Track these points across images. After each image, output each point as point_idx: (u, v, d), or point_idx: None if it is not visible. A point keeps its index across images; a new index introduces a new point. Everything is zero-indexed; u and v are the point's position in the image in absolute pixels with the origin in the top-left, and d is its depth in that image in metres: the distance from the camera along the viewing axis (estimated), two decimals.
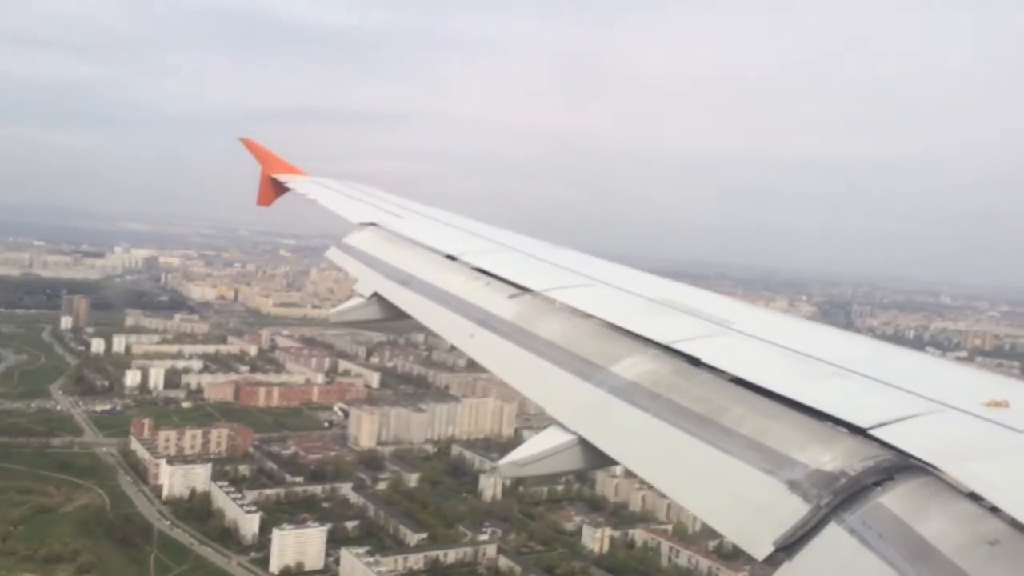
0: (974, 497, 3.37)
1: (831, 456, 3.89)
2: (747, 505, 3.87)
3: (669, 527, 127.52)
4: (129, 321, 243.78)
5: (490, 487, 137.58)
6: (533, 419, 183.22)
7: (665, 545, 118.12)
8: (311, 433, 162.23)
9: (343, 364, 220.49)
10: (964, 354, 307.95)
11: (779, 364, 5.14)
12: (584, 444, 5.01)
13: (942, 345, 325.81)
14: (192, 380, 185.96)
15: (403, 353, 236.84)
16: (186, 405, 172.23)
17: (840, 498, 3.59)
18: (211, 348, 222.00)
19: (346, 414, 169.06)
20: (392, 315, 8.87)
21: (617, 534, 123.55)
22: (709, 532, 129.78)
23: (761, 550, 3.61)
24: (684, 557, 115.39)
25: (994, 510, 3.26)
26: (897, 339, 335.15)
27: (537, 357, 6.10)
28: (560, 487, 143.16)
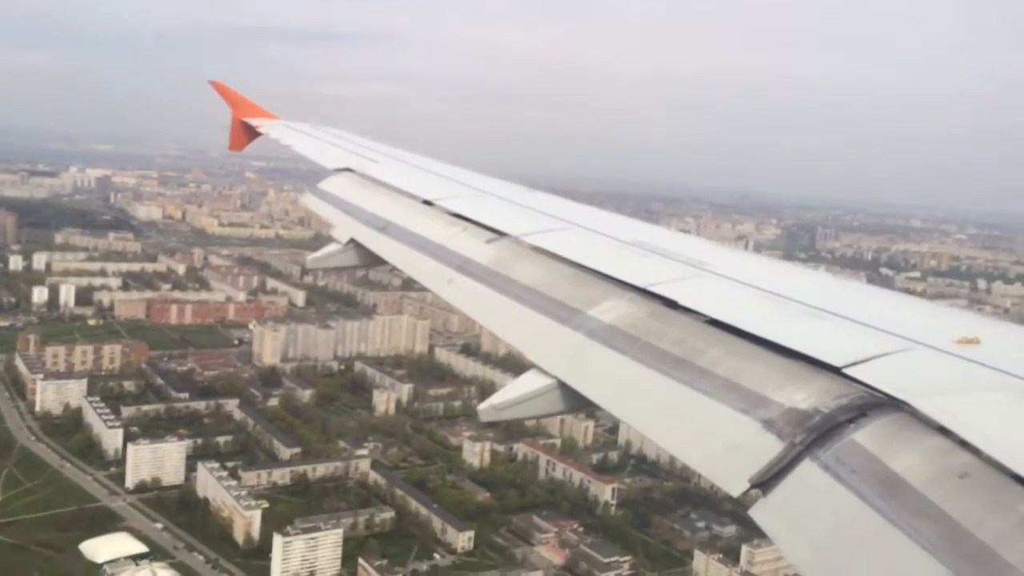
0: (944, 432, 3.42)
1: (805, 395, 3.93)
2: (723, 444, 3.94)
3: (558, 442, 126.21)
4: (59, 239, 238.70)
5: (383, 403, 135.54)
6: (455, 336, 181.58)
7: (543, 459, 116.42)
8: (217, 350, 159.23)
9: (272, 283, 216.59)
10: (917, 274, 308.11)
11: (755, 305, 5.15)
12: (563, 387, 5.03)
13: (898, 266, 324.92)
14: (105, 298, 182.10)
15: (337, 273, 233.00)
16: (93, 322, 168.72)
17: (814, 435, 3.65)
18: (136, 266, 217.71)
19: None
20: (370, 261, 8.84)
21: (501, 448, 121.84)
22: (594, 448, 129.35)
23: (737, 487, 3.68)
24: (560, 470, 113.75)
25: (964, 444, 3.32)
26: (856, 260, 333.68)
27: (515, 302, 6.07)
28: (458, 403, 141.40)
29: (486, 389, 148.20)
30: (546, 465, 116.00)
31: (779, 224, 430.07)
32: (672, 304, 5.26)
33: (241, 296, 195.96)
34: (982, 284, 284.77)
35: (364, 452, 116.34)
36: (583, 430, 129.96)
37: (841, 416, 3.70)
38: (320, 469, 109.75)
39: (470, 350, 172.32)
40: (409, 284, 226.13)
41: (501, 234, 7.27)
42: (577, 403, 5.07)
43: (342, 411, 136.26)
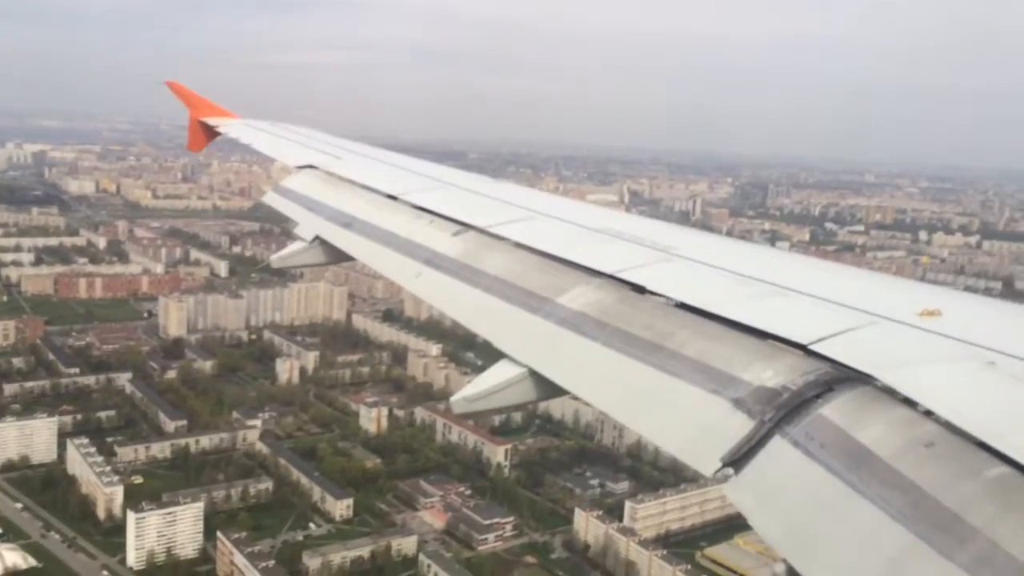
0: (910, 403, 3.52)
1: (773, 372, 4.01)
2: (695, 425, 4.01)
3: None
4: None
5: (285, 371, 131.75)
6: (380, 303, 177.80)
7: (440, 422, 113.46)
8: (122, 324, 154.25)
9: (196, 254, 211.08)
10: (860, 228, 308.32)
11: (721, 287, 5.24)
12: (535, 376, 5.03)
13: (844, 221, 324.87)
14: (13, 273, 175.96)
15: (267, 241, 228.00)
16: None
17: (783, 412, 3.73)
18: (55, 241, 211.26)
19: None
20: (336, 258, 8.77)
21: (402, 414, 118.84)
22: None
23: (709, 467, 3.73)
24: (455, 433, 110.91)
25: (928, 414, 3.41)
26: (803, 216, 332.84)
27: (484, 293, 6.10)
28: (367, 369, 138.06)
29: (399, 354, 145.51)
30: (443, 428, 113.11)
31: (733, 183, 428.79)
32: (640, 289, 5.30)
33: (159, 268, 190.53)
34: (923, 236, 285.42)
35: (256, 423, 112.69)
36: None
37: (809, 392, 3.76)
38: (204, 441, 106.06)
39: (392, 316, 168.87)
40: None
41: (467, 226, 7.27)
42: (549, 391, 5.03)
43: (244, 381, 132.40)
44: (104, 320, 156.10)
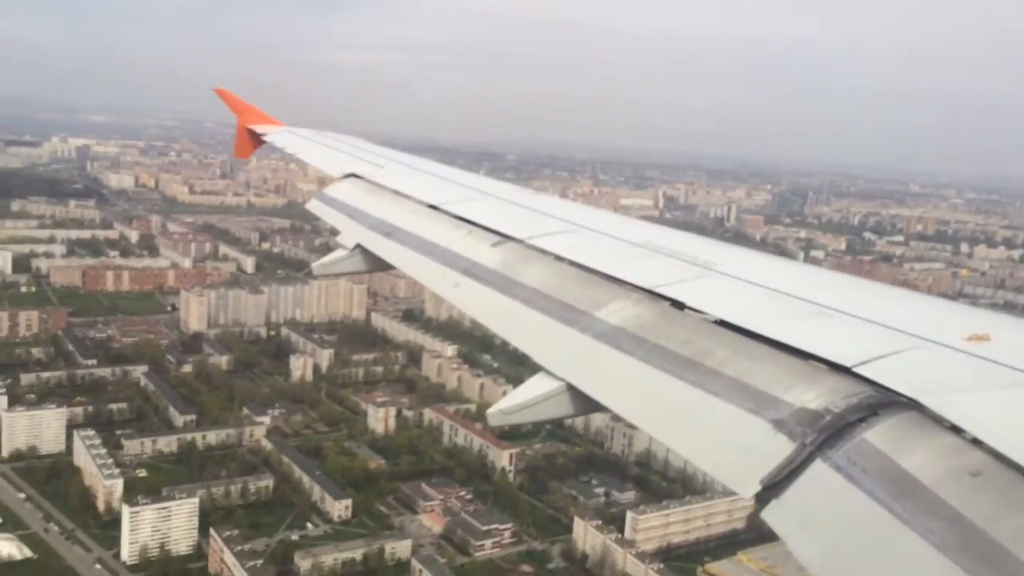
0: (956, 430, 3.42)
1: (815, 394, 3.93)
2: (734, 445, 3.92)
3: (474, 406, 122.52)
4: (15, 207, 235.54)
5: (299, 368, 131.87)
6: (401, 302, 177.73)
7: (447, 424, 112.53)
8: (144, 317, 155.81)
9: (225, 249, 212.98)
10: (900, 238, 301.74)
11: (762, 305, 5.16)
12: (572, 390, 4.98)
13: (884, 231, 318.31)
14: (44, 264, 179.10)
15: (295, 238, 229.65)
16: (25, 289, 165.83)
17: (825, 435, 3.64)
18: (87, 234, 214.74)
19: None
20: (376, 266, 8.88)
21: (411, 414, 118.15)
22: None
23: (749, 489, 3.66)
24: (462, 436, 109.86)
25: (976, 442, 3.32)
26: (841, 225, 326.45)
27: (522, 305, 6.08)
28: (381, 368, 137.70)
29: (415, 355, 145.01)
30: (449, 431, 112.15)
31: (772, 190, 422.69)
32: (679, 305, 5.25)
33: (187, 263, 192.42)
34: (965, 248, 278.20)
35: (265, 419, 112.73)
36: (501, 394, 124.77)
37: (852, 415, 3.68)
38: (211, 437, 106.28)
39: (412, 316, 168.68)
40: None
41: (506, 237, 7.24)
42: (586, 406, 4.96)
43: (258, 377, 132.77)
44: (128, 313, 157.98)
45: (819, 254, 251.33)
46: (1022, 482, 3.02)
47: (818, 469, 3.52)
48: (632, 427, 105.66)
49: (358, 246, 8.90)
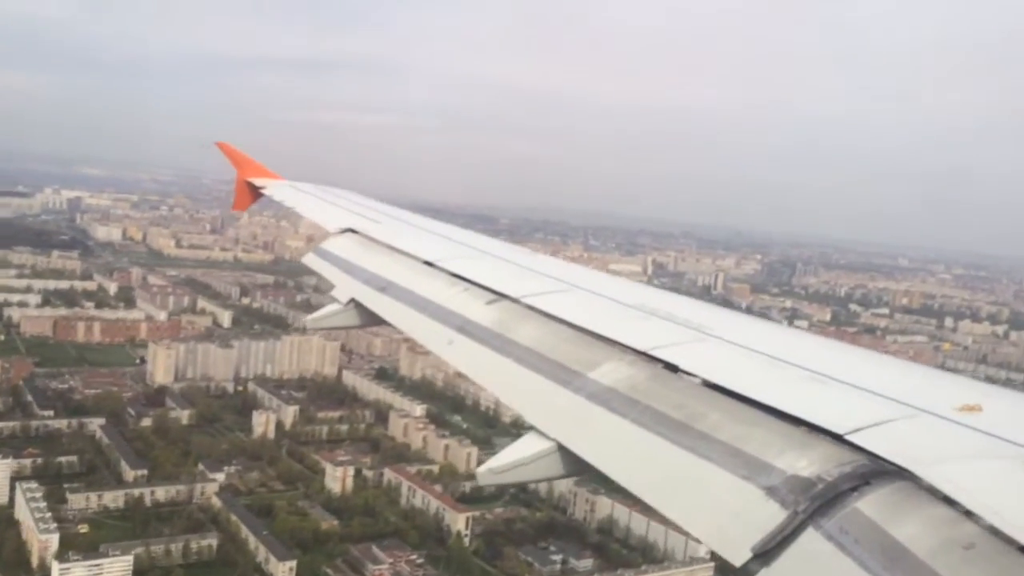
0: (949, 501, 3.41)
1: (808, 462, 3.92)
2: (725, 511, 3.92)
3: (436, 468, 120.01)
4: None
5: (261, 425, 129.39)
6: (376, 360, 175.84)
7: (406, 485, 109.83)
8: (112, 369, 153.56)
9: (203, 303, 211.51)
10: (885, 311, 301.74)
11: (756, 370, 5.15)
12: (563, 451, 4.97)
13: (870, 303, 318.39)
14: (16, 314, 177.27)
15: (276, 294, 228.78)
16: None
17: (817, 504, 3.63)
18: (66, 284, 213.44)
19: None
20: (370, 321, 8.87)
21: (371, 474, 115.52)
22: (471, 476, 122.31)
23: (739, 556, 3.63)
24: (419, 497, 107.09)
25: (969, 514, 3.31)
26: (828, 296, 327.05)
27: (515, 363, 6.05)
28: (345, 427, 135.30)
29: (383, 413, 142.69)
30: (407, 492, 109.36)
31: (762, 260, 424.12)
32: (673, 368, 5.23)
33: (162, 315, 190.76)
34: (949, 322, 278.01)
35: (219, 476, 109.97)
36: (465, 456, 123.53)
37: (844, 484, 3.66)
38: (160, 493, 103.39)
39: (386, 374, 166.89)
40: None
41: (502, 295, 7.23)
42: (577, 467, 4.95)
43: (219, 433, 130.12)
44: (96, 364, 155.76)
45: (803, 324, 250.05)
46: (1015, 555, 2.99)
47: (810, 538, 3.47)
48: (595, 493, 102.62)
49: (352, 300, 8.91)
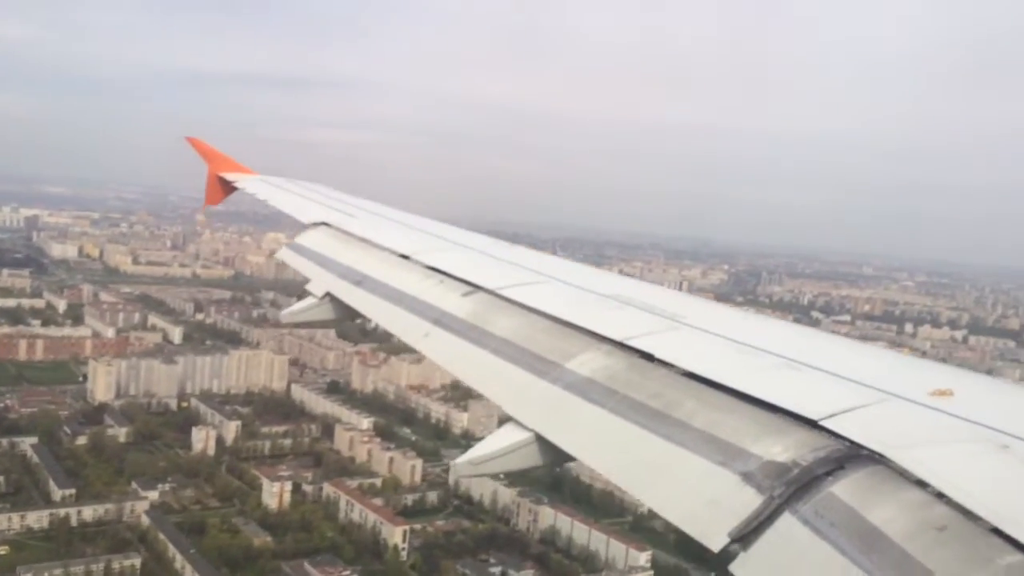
0: (922, 484, 3.49)
1: (783, 447, 3.97)
2: (702, 497, 3.96)
3: (379, 481, 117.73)
4: None
5: (200, 441, 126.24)
6: (330, 374, 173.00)
7: (344, 500, 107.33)
8: (52, 387, 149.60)
9: (154, 319, 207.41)
10: (846, 318, 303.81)
11: (731, 358, 5.21)
12: (541, 441, 5.01)
13: (832, 310, 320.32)
14: None
15: (230, 309, 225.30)
16: None
17: (793, 488, 3.69)
18: (13, 302, 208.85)
19: None
20: (346, 315, 8.81)
21: (311, 489, 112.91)
22: (418, 488, 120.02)
23: (716, 542, 3.67)
24: (357, 511, 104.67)
25: (941, 496, 3.38)
26: (791, 304, 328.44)
27: (492, 355, 6.07)
28: (288, 441, 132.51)
29: (329, 427, 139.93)
30: (346, 507, 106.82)
31: (728, 270, 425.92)
32: (648, 357, 5.25)
33: (110, 332, 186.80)
34: (909, 328, 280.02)
35: (153, 494, 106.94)
36: (410, 469, 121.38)
37: (819, 469, 3.71)
38: (88, 512, 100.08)
39: (338, 388, 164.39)
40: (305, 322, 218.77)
41: (477, 287, 7.23)
42: (555, 456, 4.99)
43: (158, 450, 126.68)
44: (36, 383, 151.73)
45: None
46: (986, 537, 3.04)
47: (786, 523, 3.49)
48: (538, 503, 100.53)
49: (328, 294, 8.81)
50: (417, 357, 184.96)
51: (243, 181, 15.40)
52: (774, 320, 6.90)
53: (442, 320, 6.86)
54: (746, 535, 3.55)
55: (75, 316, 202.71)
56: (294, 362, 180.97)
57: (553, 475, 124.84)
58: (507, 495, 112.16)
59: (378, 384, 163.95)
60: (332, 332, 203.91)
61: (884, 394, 4.35)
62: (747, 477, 3.83)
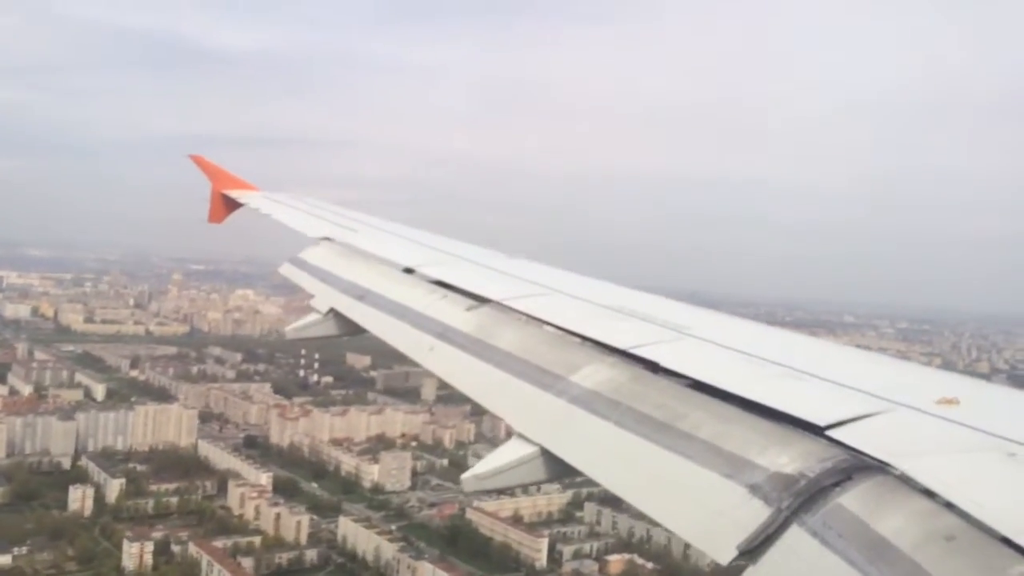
0: (930, 494, 3.45)
1: (790, 458, 3.91)
2: (709, 510, 3.92)
3: (258, 539, 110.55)
4: None
5: (77, 501, 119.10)
6: (252, 428, 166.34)
7: (206, 560, 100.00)
8: None
9: (80, 377, 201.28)
10: None
11: (736, 367, 5.17)
12: (546, 455, 4.98)
13: None
14: None
15: (167, 366, 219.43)
16: None
17: (800, 500, 3.64)
18: None
19: None
20: (349, 330, 8.65)
21: (179, 548, 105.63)
22: (299, 546, 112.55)
23: (725, 555, 3.64)
24: (216, 572, 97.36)
25: (949, 506, 3.35)
26: None
27: (497, 369, 6.02)
28: (176, 500, 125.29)
29: (224, 484, 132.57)
30: (207, 567, 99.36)
31: None
32: (654, 367, 5.20)
33: (27, 389, 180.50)
34: None
35: (5, 558, 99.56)
36: (295, 525, 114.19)
37: (827, 480, 3.65)
38: None
39: (254, 443, 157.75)
40: (242, 375, 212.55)
41: (482, 300, 7.15)
42: (560, 471, 4.95)
43: (32, 511, 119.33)
44: None
45: None
46: (996, 547, 2.96)
47: (794, 534, 3.42)
48: (417, 558, 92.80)
49: (331, 310, 8.58)
50: (341, 410, 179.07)
51: (246, 197, 15.18)
52: (780, 330, 6.53)
53: (446, 334, 6.69)
54: (754, 548, 3.47)
55: (1, 375, 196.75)
56: (217, 417, 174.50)
57: (451, 528, 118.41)
58: (390, 550, 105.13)
59: (295, 438, 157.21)
60: (268, 386, 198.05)
61: (890, 403, 4.22)
62: (754, 489, 3.72)
